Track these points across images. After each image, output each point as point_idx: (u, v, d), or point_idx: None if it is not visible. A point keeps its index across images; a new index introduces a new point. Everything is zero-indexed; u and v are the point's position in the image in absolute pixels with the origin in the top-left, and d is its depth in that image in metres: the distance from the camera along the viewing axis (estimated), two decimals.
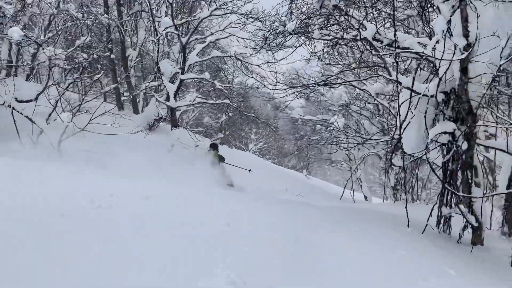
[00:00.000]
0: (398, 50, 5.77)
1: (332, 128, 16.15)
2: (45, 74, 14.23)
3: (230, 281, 3.32)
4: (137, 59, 16.44)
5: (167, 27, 13.19)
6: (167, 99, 14.15)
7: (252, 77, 11.20)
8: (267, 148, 32.69)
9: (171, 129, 14.36)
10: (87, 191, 4.95)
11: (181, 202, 4.97)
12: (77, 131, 9.80)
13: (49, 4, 10.14)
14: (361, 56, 7.02)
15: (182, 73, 14.14)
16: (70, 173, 6.25)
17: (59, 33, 10.78)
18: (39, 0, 10.16)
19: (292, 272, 3.87)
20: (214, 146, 11.82)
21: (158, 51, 13.66)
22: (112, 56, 14.91)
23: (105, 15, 13.79)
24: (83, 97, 10.28)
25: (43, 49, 9.96)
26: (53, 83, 9.92)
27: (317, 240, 4.86)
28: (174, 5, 14.14)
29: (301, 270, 3.96)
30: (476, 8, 5.12)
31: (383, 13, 7.03)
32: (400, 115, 5.90)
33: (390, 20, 6.55)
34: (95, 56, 10.85)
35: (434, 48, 5.40)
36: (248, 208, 5.39)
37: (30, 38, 9.75)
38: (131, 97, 15.91)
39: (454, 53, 5.32)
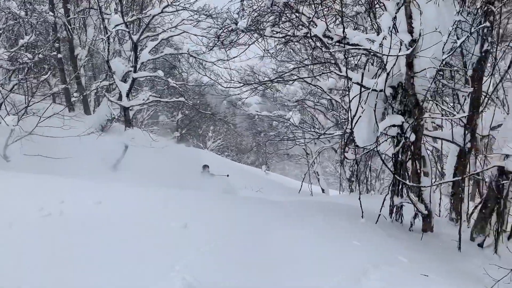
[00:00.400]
0: (347, 47, 5.91)
1: (288, 124, 16.35)
2: None
3: (186, 283, 3.30)
4: (87, 58, 15.87)
5: (117, 25, 12.80)
6: (120, 98, 13.77)
7: (206, 75, 11.12)
8: (225, 145, 32.62)
9: (125, 129, 13.99)
10: (36, 198, 4.75)
11: (136, 205, 4.86)
12: (24, 135, 9.36)
13: None
14: (312, 52, 7.13)
15: (135, 71, 13.79)
16: (18, 179, 5.97)
17: (0, 32, 10.21)
18: None
19: (248, 269, 3.89)
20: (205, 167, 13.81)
21: (108, 49, 13.24)
22: (60, 55, 14.31)
23: (51, 13, 13.20)
24: (29, 99, 9.82)
25: None
26: None
27: (274, 236, 4.92)
28: (124, 2, 13.75)
29: (257, 265, 3.99)
30: (419, 6, 5.34)
31: (333, 10, 7.18)
32: (351, 110, 6.06)
33: (340, 16, 6.68)
34: (41, 56, 10.36)
35: (381, 44, 5.57)
36: (206, 207, 5.36)
37: None
38: (82, 97, 15.35)
39: (400, 49, 5.51)
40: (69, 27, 14.79)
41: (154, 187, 6.57)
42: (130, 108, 14.40)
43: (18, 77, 9.77)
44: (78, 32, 16.04)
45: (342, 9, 5.27)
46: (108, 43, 13.18)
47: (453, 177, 6.80)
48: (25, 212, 4.31)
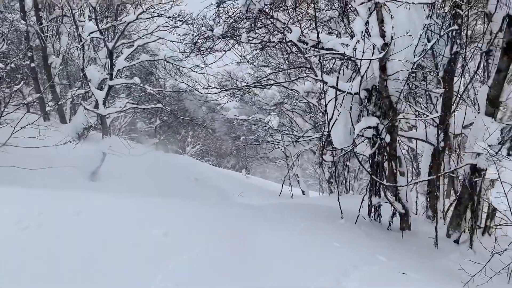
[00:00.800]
0: (322, 52, 6.02)
1: (267, 127, 16.44)
2: None
3: None
4: (61, 67, 15.62)
5: (91, 32, 12.69)
6: (96, 106, 13.62)
7: (183, 82, 11.09)
8: (205, 150, 32.50)
9: (102, 137, 13.83)
10: (13, 210, 4.66)
11: (115, 214, 4.83)
12: None
13: None
14: (288, 57, 7.23)
15: (111, 79, 13.67)
16: None
17: None
18: None
19: (231, 275, 3.92)
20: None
21: (83, 57, 13.11)
22: (33, 64, 14.04)
23: (22, 21, 12.95)
24: (2, 109, 9.61)
25: None
26: None
27: (256, 240, 4.95)
28: (98, 9, 13.63)
29: (240, 271, 4.02)
30: (390, 10, 5.48)
31: (307, 15, 7.29)
32: (327, 113, 6.17)
33: (314, 22, 6.79)
34: (13, 65, 10.15)
35: (355, 48, 5.69)
36: (187, 214, 5.35)
37: None
38: (57, 106, 15.09)
39: (373, 53, 5.65)
40: (42, 35, 14.53)
41: (134, 196, 6.53)
42: (107, 116, 14.27)
43: None
44: (51, 40, 15.77)
45: (315, 14, 5.37)
46: (83, 51, 13.05)
47: (428, 175, 6.99)
48: (2, 225, 4.23)
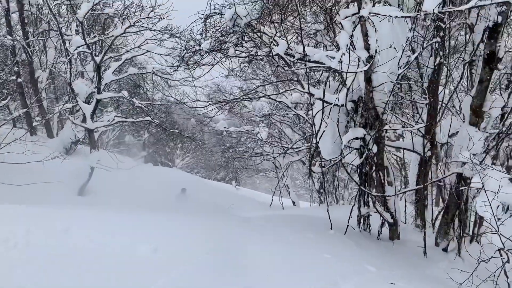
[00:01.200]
0: (310, 65, 6.10)
1: (256, 139, 16.48)
2: None
3: None
4: (49, 81, 15.53)
5: (78, 46, 12.63)
6: (84, 120, 13.51)
7: (172, 96, 11.10)
8: (194, 162, 32.39)
9: (90, 152, 13.72)
10: (0, 229, 4.60)
11: (104, 230, 4.79)
12: None
13: None
14: (275, 70, 7.30)
15: (98, 92, 13.58)
16: None
17: None
18: None
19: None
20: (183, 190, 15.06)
21: (70, 71, 13.02)
22: (20, 80, 13.94)
23: (9, 37, 12.88)
24: None
25: None
26: None
27: (247, 254, 4.95)
28: (85, 23, 13.60)
29: (232, 284, 4.02)
30: (374, 24, 5.59)
31: (294, 28, 7.39)
32: (315, 125, 6.23)
33: (302, 34, 6.88)
34: None
35: (340, 61, 5.78)
36: (176, 229, 5.33)
37: None
38: (44, 121, 14.97)
39: (358, 65, 5.74)
40: (29, 49, 14.46)
41: (122, 211, 6.49)
42: (95, 130, 14.15)
43: None
44: (38, 55, 15.69)
45: (301, 30, 5.46)
46: (70, 65, 12.97)
47: (416, 185, 7.06)
48: None
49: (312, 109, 6.59)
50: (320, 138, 6.33)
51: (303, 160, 16.08)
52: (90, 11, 12.27)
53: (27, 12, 15.00)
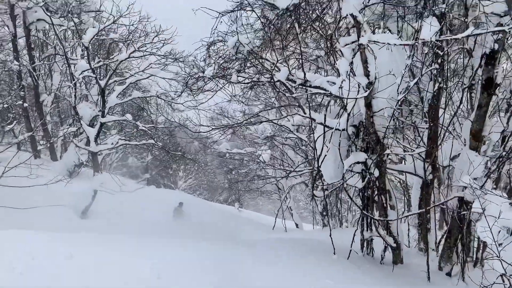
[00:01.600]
0: (311, 91, 6.21)
1: (259, 161, 16.53)
2: None
3: None
4: (53, 105, 15.74)
5: (83, 71, 12.86)
6: (88, 143, 13.63)
7: (175, 121, 11.23)
8: (197, 184, 32.38)
9: (94, 175, 13.79)
10: (5, 255, 4.63)
11: (107, 256, 4.82)
12: None
13: None
14: (277, 95, 7.43)
15: (103, 116, 13.74)
16: None
17: None
18: None
19: None
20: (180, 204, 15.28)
21: (75, 95, 13.22)
22: (26, 104, 14.14)
23: (16, 62, 13.13)
24: None
25: None
26: None
27: (249, 277, 4.95)
28: (90, 47, 13.87)
29: None
30: (373, 51, 5.72)
31: (295, 54, 7.54)
32: (316, 149, 6.30)
33: (303, 59, 7.01)
34: (5, 105, 10.24)
35: (341, 87, 5.89)
36: (179, 254, 5.35)
37: None
38: (48, 145, 15.11)
39: (358, 91, 5.84)
40: (34, 73, 14.72)
41: (125, 235, 6.51)
42: (99, 153, 14.27)
43: None
44: (43, 78, 15.95)
45: (302, 57, 5.60)
46: (75, 89, 13.17)
47: (419, 208, 7.07)
48: None
49: (313, 133, 6.66)
50: (322, 162, 6.39)
51: (305, 182, 16.09)
52: (95, 36, 12.55)
53: (34, 37, 15.33)
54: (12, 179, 9.45)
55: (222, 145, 20.78)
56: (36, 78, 14.89)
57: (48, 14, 13.43)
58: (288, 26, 6.29)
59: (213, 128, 7.81)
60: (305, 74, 5.95)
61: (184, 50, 13.58)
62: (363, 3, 5.68)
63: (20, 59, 14.47)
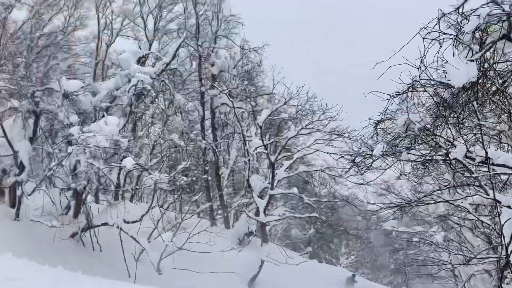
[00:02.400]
0: (494, 172, 5.61)
1: (431, 243, 15.08)
2: (146, 194, 15.66)
3: None
4: (230, 178, 17.52)
5: (257, 147, 14.14)
6: (257, 214, 14.55)
7: (341, 198, 11.20)
8: (359, 261, 30.87)
9: (261, 245, 14.49)
10: None
11: None
12: (175, 250, 10.38)
13: (156, 136, 11.63)
14: (454, 176, 6.90)
15: (272, 188, 14.65)
16: None
17: (164, 159, 12.11)
18: (148, 132, 11.73)
19: None
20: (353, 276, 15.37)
21: (249, 168, 14.52)
22: (209, 178, 16.11)
23: (203, 141, 15.26)
24: (182, 216, 11.08)
25: (149, 173, 11.11)
26: (156, 204, 10.92)
27: None
28: (263, 126, 15.28)
29: None
30: None
31: (472, 129, 6.99)
32: (504, 236, 5.52)
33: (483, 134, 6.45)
34: (193, 178, 11.88)
35: None
36: None
37: (140, 165, 11.07)
38: (225, 215, 16.71)
39: None
40: (216, 150, 16.82)
41: None
42: (267, 224, 15.06)
43: (174, 197, 11.19)
44: (223, 154, 18.05)
45: (481, 129, 5.16)
46: (249, 163, 14.50)
47: None
48: None
49: (499, 216, 5.90)
50: (511, 252, 5.55)
51: (489, 271, 13.91)
52: (268, 117, 13.86)
53: (217, 118, 17.74)
54: (193, 244, 10.65)
55: (387, 222, 19.73)
56: (217, 153, 16.97)
57: (231, 99, 15.47)
58: (464, 101, 5.95)
59: (382, 208, 7.57)
60: (487, 154, 5.43)
61: (349, 126, 13.77)
62: None
63: (205, 137, 16.80)
